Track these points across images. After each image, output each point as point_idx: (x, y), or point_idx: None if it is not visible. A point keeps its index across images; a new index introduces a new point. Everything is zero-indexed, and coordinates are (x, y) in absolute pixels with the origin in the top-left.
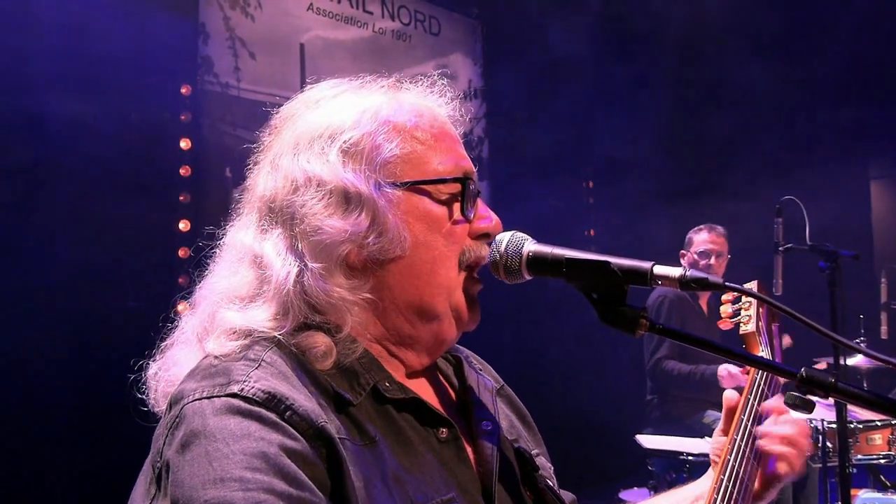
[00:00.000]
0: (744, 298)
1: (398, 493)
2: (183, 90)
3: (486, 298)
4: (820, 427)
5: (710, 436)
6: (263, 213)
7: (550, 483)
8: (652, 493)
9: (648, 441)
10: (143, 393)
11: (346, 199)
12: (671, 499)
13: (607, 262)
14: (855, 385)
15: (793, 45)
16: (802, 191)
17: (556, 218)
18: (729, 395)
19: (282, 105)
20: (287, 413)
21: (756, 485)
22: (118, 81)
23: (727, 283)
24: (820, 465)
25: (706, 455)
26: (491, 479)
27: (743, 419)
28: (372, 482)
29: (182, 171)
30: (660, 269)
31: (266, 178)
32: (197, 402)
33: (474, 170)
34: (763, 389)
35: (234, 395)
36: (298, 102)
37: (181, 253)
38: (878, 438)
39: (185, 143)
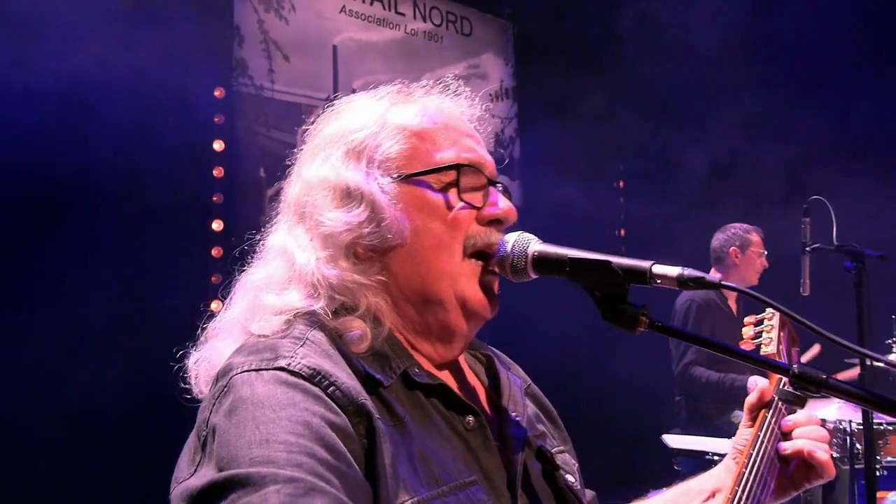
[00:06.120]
0: (766, 321)
1: (423, 471)
2: (216, 93)
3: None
4: (849, 428)
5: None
6: (289, 216)
7: (571, 480)
8: None
9: (675, 441)
10: (186, 381)
11: (348, 195)
12: (684, 491)
13: (608, 262)
14: (848, 382)
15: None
16: (830, 191)
17: (586, 217)
18: (756, 389)
19: (315, 106)
20: (330, 388)
21: (776, 483)
22: (153, 84)
23: (724, 282)
24: (849, 467)
25: None
26: (515, 468)
27: (768, 416)
28: (399, 460)
29: (215, 172)
30: (658, 269)
31: (293, 186)
32: (246, 373)
33: (486, 160)
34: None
35: (281, 369)
36: (323, 116)
37: (215, 252)
38: None
39: (218, 145)
